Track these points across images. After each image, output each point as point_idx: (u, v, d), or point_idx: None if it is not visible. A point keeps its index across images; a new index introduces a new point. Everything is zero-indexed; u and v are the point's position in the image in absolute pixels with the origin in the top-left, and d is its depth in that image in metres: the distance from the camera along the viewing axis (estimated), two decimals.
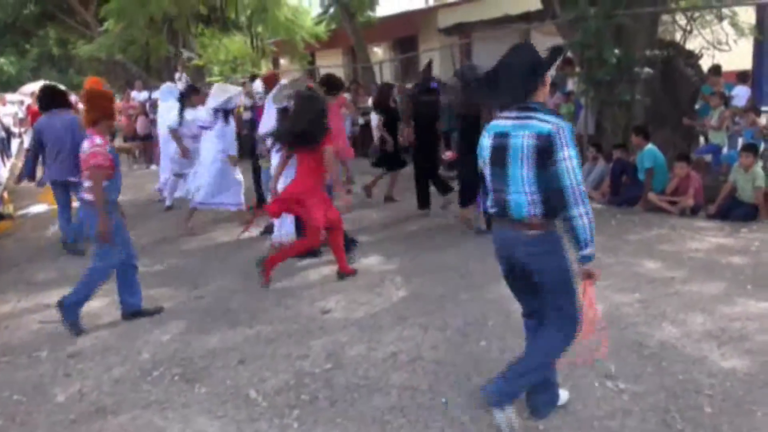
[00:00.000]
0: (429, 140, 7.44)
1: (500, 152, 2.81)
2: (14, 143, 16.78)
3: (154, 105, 12.65)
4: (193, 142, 7.68)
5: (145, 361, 3.95)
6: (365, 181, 8.73)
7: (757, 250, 5.49)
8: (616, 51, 7.50)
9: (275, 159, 5.70)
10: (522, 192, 2.77)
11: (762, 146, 7.35)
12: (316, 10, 19.81)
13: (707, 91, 8.59)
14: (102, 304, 4.93)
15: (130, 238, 4.71)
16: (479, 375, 3.45)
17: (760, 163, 6.82)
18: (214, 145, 7.10)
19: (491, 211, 2.94)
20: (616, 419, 2.98)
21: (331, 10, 17.43)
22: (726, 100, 8.30)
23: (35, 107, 9.88)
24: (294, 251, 5.34)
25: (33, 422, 3.34)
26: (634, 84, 7.75)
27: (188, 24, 19.16)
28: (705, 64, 9.05)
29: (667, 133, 8.17)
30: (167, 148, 8.59)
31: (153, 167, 12.21)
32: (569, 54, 8.49)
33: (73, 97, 14.79)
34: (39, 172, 6.91)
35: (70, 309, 4.45)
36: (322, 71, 16.99)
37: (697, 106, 8.86)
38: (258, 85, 7.49)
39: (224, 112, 7.14)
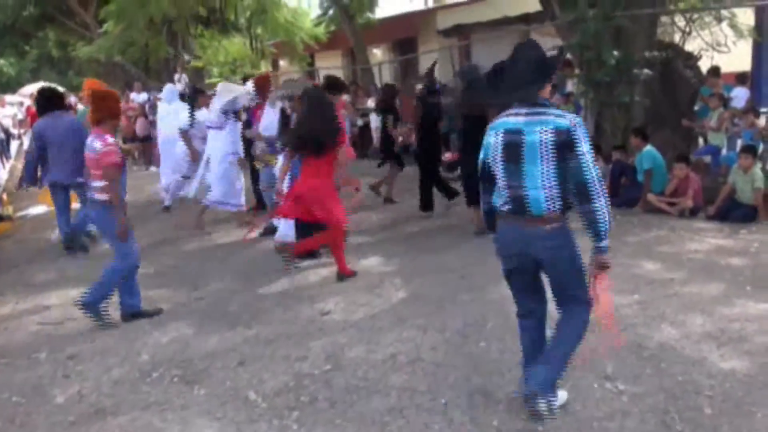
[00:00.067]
0: (432, 141, 7.47)
1: (514, 149, 2.82)
2: (13, 145, 16.79)
3: (153, 106, 12.66)
4: (202, 144, 7.70)
5: (144, 362, 3.95)
6: (365, 181, 8.73)
7: (756, 251, 5.49)
8: (615, 52, 7.50)
9: (281, 160, 5.72)
10: (540, 187, 2.79)
11: (761, 147, 7.35)
12: (315, 11, 19.90)
13: (706, 93, 8.60)
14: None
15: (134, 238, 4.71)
16: (479, 376, 3.45)
17: (759, 165, 6.82)
18: (225, 145, 7.12)
19: (504, 208, 2.92)
20: (615, 420, 2.98)
21: (331, 11, 17.48)
22: (725, 102, 8.31)
23: (35, 109, 9.87)
24: (318, 242, 5.33)
25: (32, 424, 3.34)
26: (633, 85, 7.75)
27: (188, 25, 19.19)
28: (704, 65, 9.06)
29: (666, 135, 8.17)
30: (170, 149, 8.57)
31: (152, 169, 12.21)
32: (568, 55, 8.50)
33: (72, 99, 14.85)
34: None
35: (89, 307, 4.49)
36: (322, 73, 17.01)
37: (696, 108, 8.86)
38: (249, 87, 7.51)
39: (233, 112, 7.18)
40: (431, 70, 8.00)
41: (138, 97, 14.35)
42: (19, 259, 6.73)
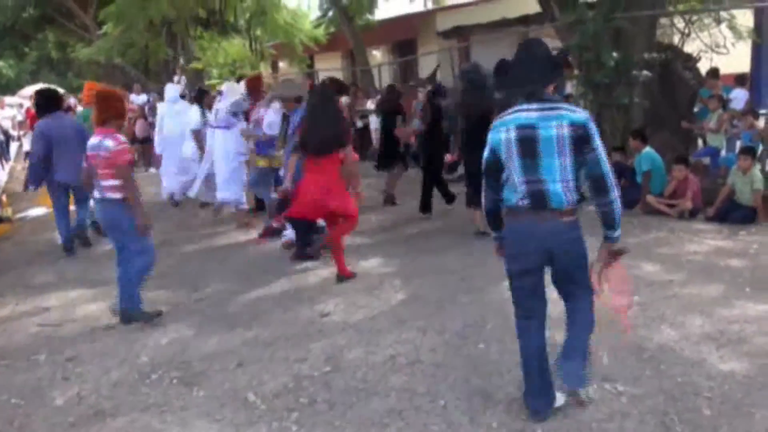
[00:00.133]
0: (435, 142, 7.49)
1: (529, 144, 2.83)
2: (13, 146, 16.78)
3: (152, 108, 12.65)
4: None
5: (143, 364, 3.94)
6: (365, 182, 8.73)
7: (755, 252, 5.49)
8: (615, 54, 7.51)
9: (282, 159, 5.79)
10: (559, 181, 2.82)
11: (760, 149, 7.36)
12: (315, 13, 19.90)
13: (705, 94, 8.61)
14: (100, 307, 4.94)
15: None
16: (478, 377, 3.45)
17: (758, 166, 6.83)
18: (235, 145, 7.14)
19: (521, 203, 2.89)
20: (615, 422, 2.98)
21: (330, 13, 17.49)
22: (724, 103, 8.32)
23: (34, 110, 9.87)
24: (342, 232, 5.34)
25: (31, 426, 3.33)
26: (632, 87, 7.75)
27: (187, 27, 19.20)
28: (703, 67, 9.07)
29: (666, 136, 8.18)
30: (174, 150, 8.56)
31: (152, 170, 12.21)
32: (568, 57, 8.51)
33: (72, 100, 14.84)
34: None
35: (128, 313, 4.51)
36: (321, 74, 17.03)
37: (695, 109, 8.88)
38: (242, 87, 7.55)
39: (242, 113, 7.23)
40: (434, 74, 8.02)
41: (137, 99, 14.35)
42: (19, 260, 6.73)
